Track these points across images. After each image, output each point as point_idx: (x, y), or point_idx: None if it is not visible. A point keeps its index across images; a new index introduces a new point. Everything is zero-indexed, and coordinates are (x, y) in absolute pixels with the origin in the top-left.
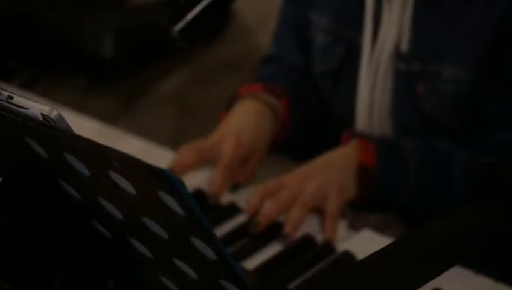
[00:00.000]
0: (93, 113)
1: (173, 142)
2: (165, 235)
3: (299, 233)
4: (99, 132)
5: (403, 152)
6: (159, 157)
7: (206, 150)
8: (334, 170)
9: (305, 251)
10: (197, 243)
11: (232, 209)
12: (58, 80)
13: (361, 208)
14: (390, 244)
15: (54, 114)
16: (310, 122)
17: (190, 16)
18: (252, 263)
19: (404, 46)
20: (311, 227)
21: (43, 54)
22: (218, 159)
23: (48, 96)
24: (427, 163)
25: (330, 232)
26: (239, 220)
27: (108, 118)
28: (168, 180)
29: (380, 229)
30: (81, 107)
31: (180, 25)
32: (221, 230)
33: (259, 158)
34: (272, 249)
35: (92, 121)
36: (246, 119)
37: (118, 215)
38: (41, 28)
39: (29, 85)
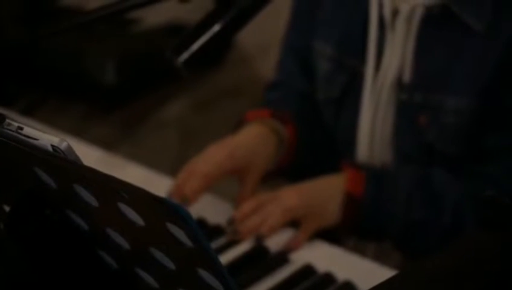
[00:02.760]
0: (94, 140)
1: (174, 169)
2: (172, 266)
3: (300, 262)
4: (100, 159)
5: (392, 183)
6: (161, 185)
7: (203, 168)
8: (321, 194)
9: (306, 280)
10: (204, 274)
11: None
12: (59, 106)
13: (359, 238)
14: (393, 277)
15: (63, 145)
16: (313, 149)
17: (195, 46)
18: None
19: (407, 77)
20: (311, 256)
21: (45, 80)
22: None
23: (48, 123)
24: (416, 194)
25: (292, 245)
26: (240, 249)
27: (109, 144)
28: (176, 212)
29: (379, 258)
30: (81, 134)
31: (184, 56)
32: (223, 259)
33: (257, 177)
34: (273, 279)
35: (92, 147)
36: (244, 137)
37: (125, 245)
38: (44, 55)
39: (30, 111)
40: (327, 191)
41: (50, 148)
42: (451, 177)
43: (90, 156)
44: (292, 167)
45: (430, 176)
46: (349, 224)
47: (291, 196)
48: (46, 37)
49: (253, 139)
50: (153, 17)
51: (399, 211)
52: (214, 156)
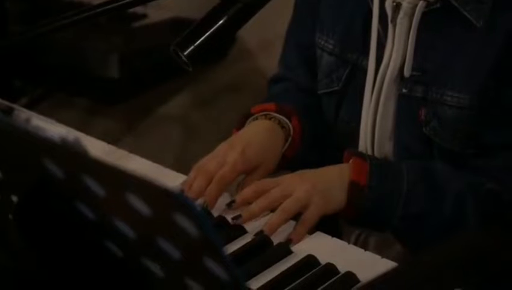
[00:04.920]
0: (97, 133)
1: (176, 163)
2: (178, 256)
3: (303, 253)
4: (105, 152)
5: (396, 173)
6: (165, 178)
7: (212, 168)
8: (325, 180)
9: (308, 271)
10: (210, 263)
11: (238, 230)
12: (62, 100)
13: (361, 228)
14: (391, 270)
15: (72, 137)
16: (316, 142)
17: (199, 41)
18: (255, 283)
19: (407, 71)
20: (314, 248)
21: (49, 75)
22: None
23: (51, 116)
24: (419, 185)
25: (295, 236)
26: (244, 240)
27: (112, 138)
28: (184, 203)
29: (380, 249)
30: (84, 128)
31: (189, 50)
32: (226, 250)
33: (265, 174)
34: (275, 270)
35: (96, 141)
36: (255, 134)
37: (132, 235)
38: (48, 49)
39: (34, 105)
40: (331, 178)
41: (58, 140)
42: (454, 170)
43: (95, 149)
44: (295, 160)
45: (433, 167)
46: (351, 213)
47: (294, 181)
48: (50, 31)
49: (263, 134)
50: (157, 14)
51: (401, 201)
52: (227, 156)
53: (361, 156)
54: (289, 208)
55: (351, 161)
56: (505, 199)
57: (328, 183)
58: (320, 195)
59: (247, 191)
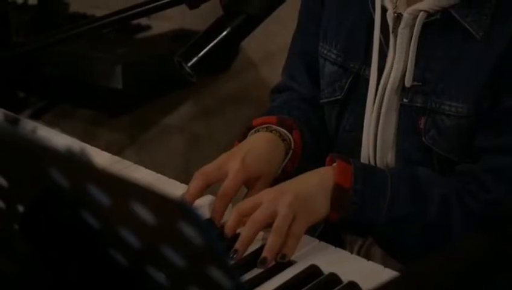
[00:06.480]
0: (100, 144)
1: (179, 173)
2: (182, 264)
3: (306, 263)
4: (109, 162)
5: (380, 176)
6: (169, 188)
7: (212, 172)
8: (306, 191)
9: (311, 281)
10: (214, 272)
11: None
12: (66, 111)
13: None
14: (395, 278)
15: (77, 147)
16: (318, 153)
17: (203, 52)
18: None
19: (408, 81)
20: (316, 258)
21: (52, 86)
22: (223, 181)
23: (55, 127)
24: (402, 188)
25: (288, 251)
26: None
27: (115, 148)
28: (188, 212)
29: (383, 259)
30: (88, 138)
31: (193, 61)
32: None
33: (266, 186)
34: (278, 279)
35: (101, 152)
36: (256, 145)
37: (137, 244)
38: (52, 60)
39: (38, 116)
40: (312, 187)
41: (64, 150)
42: (439, 177)
43: (99, 160)
44: (296, 172)
45: (417, 173)
46: (335, 216)
47: (276, 197)
48: (53, 43)
49: (263, 145)
50: (161, 25)
51: (385, 205)
52: (228, 166)
53: (345, 159)
54: (280, 226)
55: (335, 164)
56: (505, 208)
57: (310, 193)
58: (304, 207)
59: (231, 223)
